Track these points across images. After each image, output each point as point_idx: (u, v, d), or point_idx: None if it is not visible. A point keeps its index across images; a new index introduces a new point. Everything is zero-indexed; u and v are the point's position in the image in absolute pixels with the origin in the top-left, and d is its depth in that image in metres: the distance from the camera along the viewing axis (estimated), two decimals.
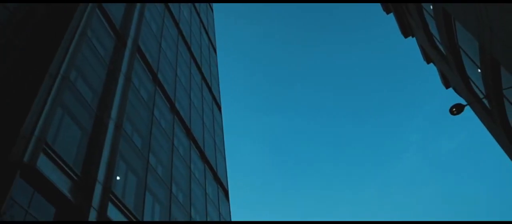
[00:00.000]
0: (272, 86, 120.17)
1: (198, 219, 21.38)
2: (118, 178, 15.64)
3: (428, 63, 25.11)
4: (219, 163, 29.31)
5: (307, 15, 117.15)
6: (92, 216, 12.92)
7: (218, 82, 38.72)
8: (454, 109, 12.82)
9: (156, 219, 16.81)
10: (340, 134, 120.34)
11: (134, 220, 15.04)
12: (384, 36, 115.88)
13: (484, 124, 17.68)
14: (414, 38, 24.87)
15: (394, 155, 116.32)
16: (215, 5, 75.44)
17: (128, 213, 14.73)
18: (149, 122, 19.63)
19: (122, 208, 14.52)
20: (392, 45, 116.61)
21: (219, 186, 27.45)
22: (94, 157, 14.61)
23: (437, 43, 17.33)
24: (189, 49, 32.12)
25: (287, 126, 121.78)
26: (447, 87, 23.95)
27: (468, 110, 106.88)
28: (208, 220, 22.69)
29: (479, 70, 13.35)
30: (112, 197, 14.21)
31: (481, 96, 14.00)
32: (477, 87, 14.12)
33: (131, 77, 19.51)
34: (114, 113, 16.83)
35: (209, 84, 34.58)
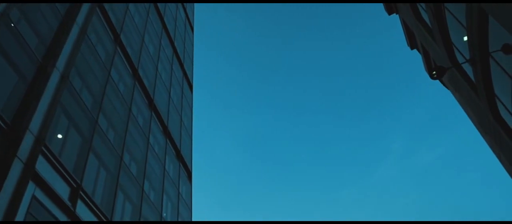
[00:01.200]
0: (252, 83, 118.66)
1: (151, 195, 19.88)
2: (59, 136, 14.07)
3: (412, 48, 24.12)
4: (184, 142, 27.83)
5: (291, 11, 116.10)
6: (17, 168, 11.36)
7: (192, 61, 37.20)
8: (434, 73, 11.68)
9: (100, 185, 15.27)
10: (320, 135, 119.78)
11: (73, 183, 13.50)
12: (373, 38, 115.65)
13: (464, 102, 16.67)
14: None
15: (373, 162, 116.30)
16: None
17: (64, 173, 13.17)
18: (104, 81, 18.05)
19: (57, 165, 12.96)
20: (382, 47, 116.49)
21: (181, 165, 25.96)
22: (29, 106, 13.01)
23: (421, 10, 16.22)
24: (161, 19, 30.53)
25: (266, 125, 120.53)
26: (431, 76, 22.96)
27: (450, 117, 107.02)
28: (163, 197, 21.20)
29: (466, 38, 12.29)
30: (46, 151, 12.64)
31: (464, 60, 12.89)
32: (462, 55, 13.07)
33: (87, 31, 17.90)
34: (61, 63, 15.23)
35: (182, 60, 33.04)
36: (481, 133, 18.07)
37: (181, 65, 32.62)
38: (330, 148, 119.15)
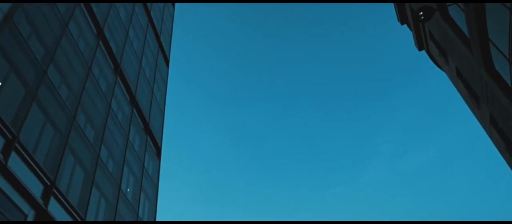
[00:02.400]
0: (240, 77, 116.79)
1: (110, 165, 18.28)
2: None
3: (402, 24, 22.83)
4: (155, 116, 26.22)
5: (282, 3, 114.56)
6: None
7: (171, 36, 35.55)
8: (421, 14, 10.33)
9: (53, 149, 13.64)
10: (309, 131, 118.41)
11: (10, 136, 11.87)
12: (366, 35, 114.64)
13: (453, 72, 15.42)
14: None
15: (362, 163, 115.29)
16: None
17: (5, 131, 11.54)
18: (59, 32, 16.37)
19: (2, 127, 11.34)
20: (375, 46, 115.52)
21: (149, 140, 24.36)
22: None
23: None
24: None
25: (254, 120, 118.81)
26: (420, 49, 21.78)
27: (440, 119, 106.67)
28: (124, 168, 19.61)
29: None
30: None
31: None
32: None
33: None
34: (4, 6, 13.55)
35: (158, 31, 31.36)
36: (472, 107, 16.85)
37: (157, 36, 30.95)
38: (318, 146, 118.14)
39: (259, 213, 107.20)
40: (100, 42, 20.29)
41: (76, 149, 15.60)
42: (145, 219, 21.46)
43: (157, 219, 22.64)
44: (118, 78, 21.50)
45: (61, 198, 13.78)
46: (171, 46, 34.92)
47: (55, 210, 13.36)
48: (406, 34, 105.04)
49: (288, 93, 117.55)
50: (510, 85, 9.72)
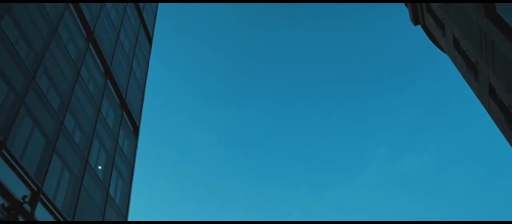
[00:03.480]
0: (234, 73, 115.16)
1: (76, 136, 16.96)
2: None
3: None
4: (133, 94, 24.89)
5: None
6: None
7: (155, 15, 34.21)
8: None
9: (5, 109, 12.32)
10: (303, 131, 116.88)
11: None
12: (365, 33, 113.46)
13: (449, 41, 14.27)
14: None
15: (356, 166, 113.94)
16: None
17: None
18: None
19: None
20: (373, 46, 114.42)
21: (126, 116, 23.04)
22: None
23: None
24: None
25: (247, 118, 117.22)
26: (415, 23, 20.69)
27: (436, 124, 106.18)
28: (93, 141, 18.29)
29: None
30: None
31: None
32: None
33: None
34: None
35: (140, 7, 30.02)
36: (470, 82, 15.76)
37: (139, 12, 29.61)
38: (313, 146, 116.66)
39: (252, 213, 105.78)
40: (71, 6, 18.95)
41: (34, 112, 14.27)
42: (117, 200, 20.16)
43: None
44: (91, 45, 20.15)
45: (14, 163, 12.47)
46: (156, 27, 33.58)
47: (6, 176, 12.04)
48: (404, 34, 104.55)
49: (283, 91, 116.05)
50: (510, 25, 8.65)
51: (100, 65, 20.97)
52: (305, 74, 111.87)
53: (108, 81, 21.48)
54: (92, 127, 18.47)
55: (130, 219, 21.33)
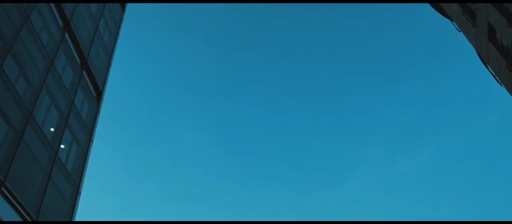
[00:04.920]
0: (224, 67, 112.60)
1: (20, 86, 15.02)
2: None
3: None
4: (97, 55, 22.95)
5: None
6: None
7: None
8: None
9: None
10: (295, 129, 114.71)
11: None
12: (362, 31, 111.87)
13: None
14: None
15: (349, 168, 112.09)
16: None
17: None
18: None
19: None
20: (369, 43, 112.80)
21: (86, 76, 21.11)
22: None
23: None
24: None
25: (237, 114, 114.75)
26: None
27: (430, 128, 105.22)
28: (42, 94, 16.34)
29: None
30: None
31: None
32: None
33: None
34: None
35: None
36: (467, 33, 14.15)
37: None
38: (305, 145, 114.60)
39: (241, 213, 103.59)
40: None
41: None
42: (69, 165, 18.24)
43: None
44: None
45: None
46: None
47: None
48: (400, 34, 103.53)
49: (275, 88, 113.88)
50: None
51: (58, 18, 19.03)
52: (299, 71, 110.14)
53: (67, 35, 19.53)
54: (41, 79, 16.52)
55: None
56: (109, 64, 24.61)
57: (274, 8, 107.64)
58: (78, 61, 20.58)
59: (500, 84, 12.79)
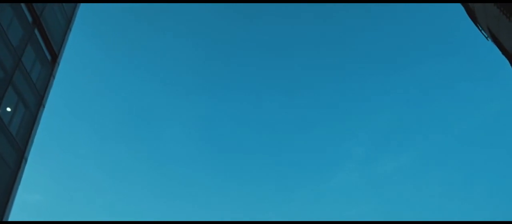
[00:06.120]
0: (207, 61, 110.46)
1: None
2: None
3: None
4: (54, 17, 21.29)
5: None
6: None
7: None
8: None
9: None
10: (280, 127, 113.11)
11: None
12: (351, 27, 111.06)
13: None
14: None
15: (332, 166, 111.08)
16: None
17: None
18: None
19: None
20: (355, 40, 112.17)
21: (38, 35, 19.44)
22: None
23: None
24: None
25: (218, 111, 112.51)
26: None
27: (415, 128, 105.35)
28: None
29: None
30: None
31: None
32: None
33: None
34: None
35: None
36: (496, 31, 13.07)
37: None
38: (288, 142, 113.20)
39: (223, 211, 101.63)
40: None
41: None
42: (13, 128, 16.60)
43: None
44: None
45: None
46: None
47: None
48: (385, 34, 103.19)
49: (257, 84, 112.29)
50: None
51: None
52: (282, 67, 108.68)
53: None
54: None
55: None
56: (67, 28, 22.93)
57: (257, 2, 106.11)
58: (30, 19, 18.90)
59: None
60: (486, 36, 16.32)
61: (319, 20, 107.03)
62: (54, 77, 20.68)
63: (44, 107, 19.27)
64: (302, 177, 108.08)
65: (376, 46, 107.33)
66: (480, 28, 17.49)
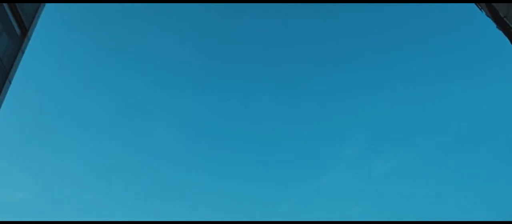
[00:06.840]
0: (196, 56, 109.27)
1: None
2: None
3: None
4: None
5: None
6: None
7: None
8: None
9: None
10: (270, 126, 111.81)
11: None
12: (345, 25, 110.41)
13: None
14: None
15: (323, 166, 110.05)
16: None
17: None
18: None
19: None
20: (349, 38, 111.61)
21: (7, 7, 18.38)
22: None
23: None
24: None
25: (208, 109, 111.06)
26: None
27: (408, 129, 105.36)
28: None
29: None
30: None
31: None
32: None
33: None
34: None
35: None
36: None
37: None
38: (279, 141, 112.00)
39: (212, 211, 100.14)
40: None
41: None
42: None
43: None
44: None
45: None
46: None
47: None
48: (379, 33, 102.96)
49: (247, 82, 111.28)
50: None
51: None
52: (273, 63, 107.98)
53: None
54: None
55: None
56: (39, 8, 21.83)
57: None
58: None
59: None
60: (480, 8, 15.64)
61: (310, 18, 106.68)
62: (23, 52, 19.55)
63: (10, 82, 18.15)
64: (295, 176, 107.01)
65: (370, 44, 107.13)
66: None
